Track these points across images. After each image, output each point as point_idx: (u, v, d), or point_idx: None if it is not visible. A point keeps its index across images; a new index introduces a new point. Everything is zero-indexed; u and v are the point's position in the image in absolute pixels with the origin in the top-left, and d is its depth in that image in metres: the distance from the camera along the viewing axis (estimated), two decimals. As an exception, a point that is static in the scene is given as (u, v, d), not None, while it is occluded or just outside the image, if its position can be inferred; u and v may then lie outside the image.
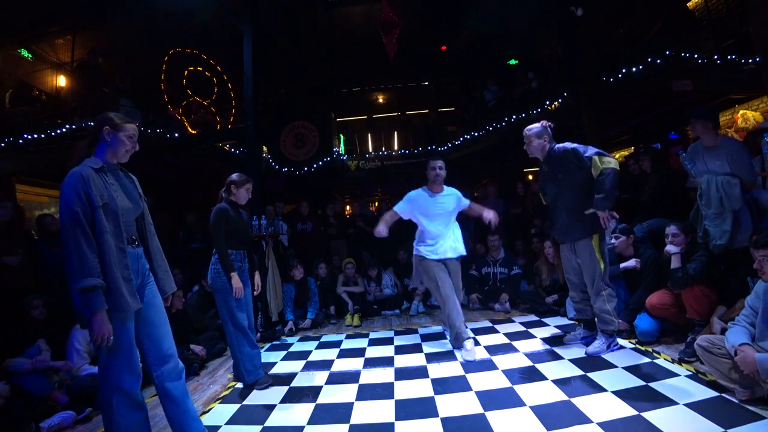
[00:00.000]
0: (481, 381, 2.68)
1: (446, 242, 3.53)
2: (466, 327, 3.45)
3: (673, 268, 2.83)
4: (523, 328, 3.84)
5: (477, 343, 3.44)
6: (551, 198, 3.18)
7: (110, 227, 1.75)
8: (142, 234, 2.00)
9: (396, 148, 10.27)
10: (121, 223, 1.81)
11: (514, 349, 3.23)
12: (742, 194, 2.74)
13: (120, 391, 1.79)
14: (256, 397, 2.76)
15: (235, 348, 2.85)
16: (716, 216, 2.77)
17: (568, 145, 3.01)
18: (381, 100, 12.52)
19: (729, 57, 5.81)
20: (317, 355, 3.59)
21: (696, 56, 5.73)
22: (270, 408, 2.56)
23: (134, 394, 1.83)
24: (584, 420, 2.04)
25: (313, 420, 2.36)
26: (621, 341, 3.13)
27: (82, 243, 1.66)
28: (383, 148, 10.31)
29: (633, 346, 3.02)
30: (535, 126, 3.13)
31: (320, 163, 9.18)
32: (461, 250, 3.60)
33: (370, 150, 10.35)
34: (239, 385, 2.96)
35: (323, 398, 2.65)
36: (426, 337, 3.81)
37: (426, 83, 11.45)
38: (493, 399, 2.39)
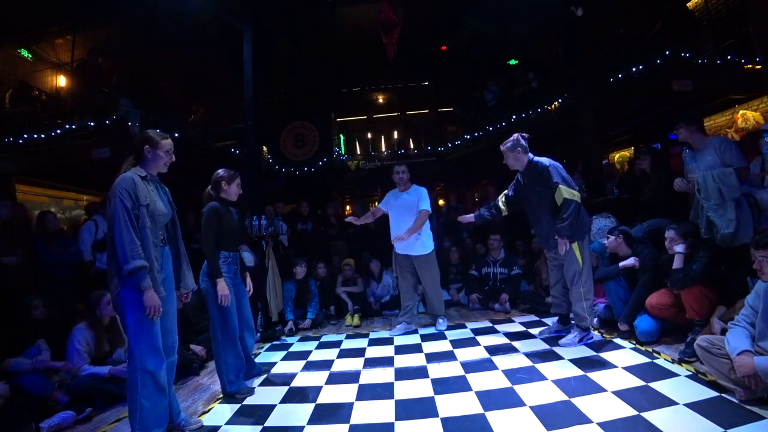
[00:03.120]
0: (481, 381, 2.68)
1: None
2: (414, 312, 4.23)
3: (675, 268, 2.83)
4: (523, 328, 3.83)
5: (412, 330, 4.07)
6: (533, 206, 3.34)
7: (149, 224, 2.06)
8: (171, 237, 2.31)
9: (396, 148, 10.27)
10: (158, 224, 2.13)
11: (514, 349, 3.23)
12: (739, 184, 2.81)
13: (146, 371, 2.01)
14: (256, 397, 2.76)
15: (221, 357, 2.78)
16: (718, 207, 2.85)
17: (545, 161, 3.20)
18: (381, 100, 12.51)
19: (729, 57, 5.81)
20: (317, 355, 3.58)
21: (696, 56, 5.72)
22: (270, 408, 2.57)
23: (158, 376, 2.05)
24: (584, 420, 2.04)
25: (313, 420, 2.36)
26: (621, 341, 3.15)
27: (131, 231, 1.97)
28: (383, 148, 10.31)
29: (633, 346, 3.02)
30: (509, 141, 3.32)
31: (320, 163, 9.18)
32: (418, 248, 3.95)
33: (370, 150, 10.35)
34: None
35: (323, 398, 2.65)
36: (426, 337, 3.81)
37: (426, 83, 11.44)
38: (493, 399, 2.40)
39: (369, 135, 10.74)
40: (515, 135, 3.30)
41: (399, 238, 3.88)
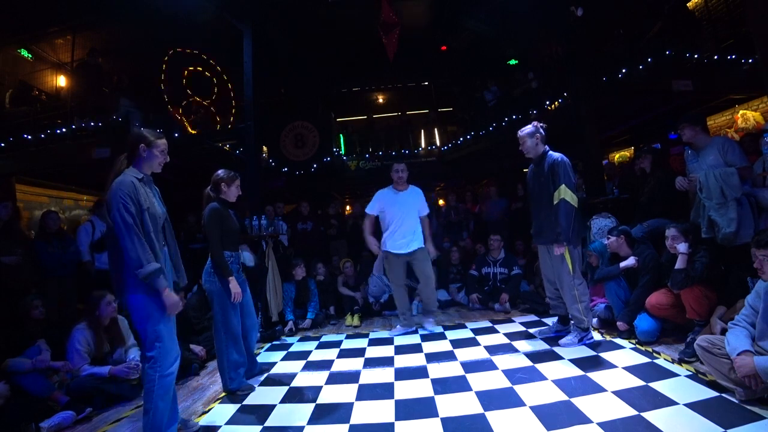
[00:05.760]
0: (481, 381, 2.68)
1: (407, 236, 3.95)
2: (411, 313, 4.26)
3: (678, 268, 2.82)
4: (523, 328, 3.83)
5: (413, 330, 4.05)
6: (535, 197, 3.34)
7: (153, 228, 2.03)
8: (166, 236, 2.27)
9: (396, 148, 10.26)
10: (158, 226, 2.11)
11: (514, 349, 3.23)
12: (740, 183, 2.82)
13: (164, 375, 2.02)
14: (256, 397, 2.76)
15: (223, 354, 2.81)
16: (720, 206, 2.85)
17: (557, 156, 3.17)
18: (381, 100, 12.53)
19: (729, 57, 5.81)
20: (317, 355, 3.58)
21: (696, 56, 5.72)
22: (270, 408, 2.56)
23: (173, 379, 2.08)
24: (584, 420, 2.04)
25: (313, 420, 2.36)
26: (621, 341, 3.15)
27: (141, 238, 1.93)
28: (383, 148, 10.31)
29: (633, 346, 3.02)
30: (528, 127, 3.30)
31: (320, 162, 9.18)
32: (415, 244, 3.99)
33: (370, 150, 10.35)
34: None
35: (323, 398, 2.65)
36: (426, 337, 3.81)
37: (426, 83, 11.45)
38: (493, 399, 2.39)
39: (369, 135, 10.74)
40: (534, 122, 3.29)
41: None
